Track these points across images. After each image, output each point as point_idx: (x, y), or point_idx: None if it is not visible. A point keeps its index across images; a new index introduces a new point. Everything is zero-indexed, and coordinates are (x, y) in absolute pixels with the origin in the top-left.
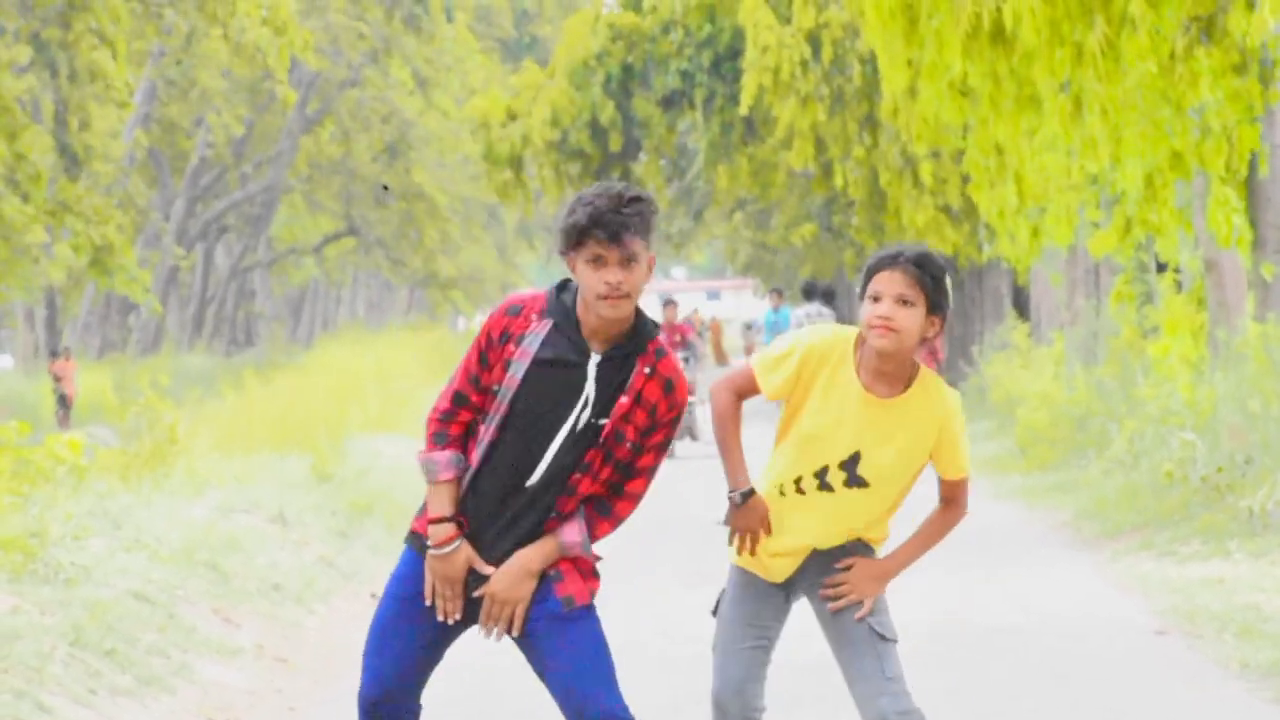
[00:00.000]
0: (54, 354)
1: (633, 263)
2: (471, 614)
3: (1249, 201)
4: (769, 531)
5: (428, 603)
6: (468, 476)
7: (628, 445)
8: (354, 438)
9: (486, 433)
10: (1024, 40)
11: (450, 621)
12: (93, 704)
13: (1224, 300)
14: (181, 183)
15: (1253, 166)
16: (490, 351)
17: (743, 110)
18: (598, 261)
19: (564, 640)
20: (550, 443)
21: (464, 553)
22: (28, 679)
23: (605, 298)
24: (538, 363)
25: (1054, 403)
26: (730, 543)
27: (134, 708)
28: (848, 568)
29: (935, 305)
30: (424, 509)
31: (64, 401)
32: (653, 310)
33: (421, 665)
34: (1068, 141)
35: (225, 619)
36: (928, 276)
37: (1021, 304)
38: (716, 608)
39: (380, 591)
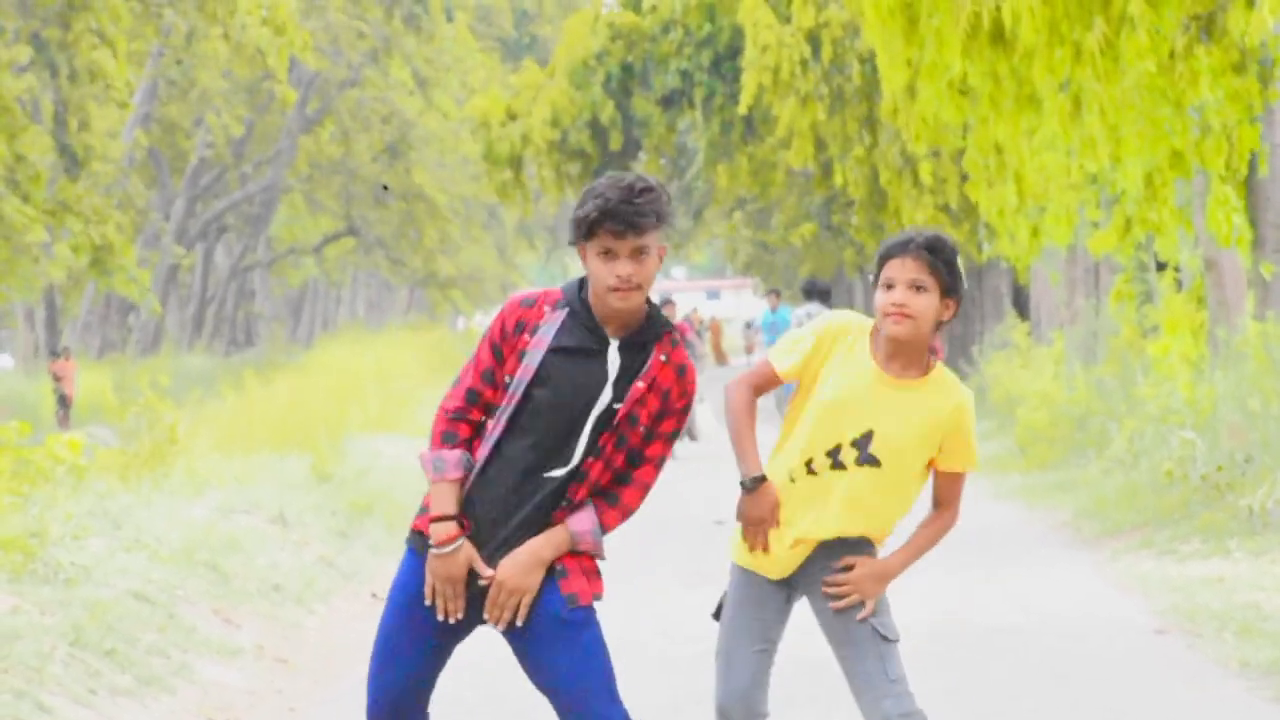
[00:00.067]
0: (54, 354)
1: (644, 255)
2: (474, 613)
3: (1249, 200)
4: (778, 523)
5: (428, 602)
6: (473, 475)
7: (641, 429)
8: (354, 438)
9: (495, 427)
10: (1023, 40)
11: (452, 620)
12: (93, 704)
13: (1224, 299)
14: (181, 183)
15: (1252, 165)
16: (504, 344)
17: (742, 109)
18: (608, 254)
19: (565, 647)
20: (577, 431)
21: (465, 552)
22: (28, 679)
23: (616, 290)
24: (554, 351)
25: (1054, 402)
26: (743, 539)
27: (134, 708)
28: (849, 568)
29: (949, 288)
30: (424, 508)
31: (64, 401)
32: None
33: (428, 672)
34: (1067, 141)
35: (225, 619)
36: (940, 261)
37: (1021, 303)
38: (718, 611)
39: (380, 591)
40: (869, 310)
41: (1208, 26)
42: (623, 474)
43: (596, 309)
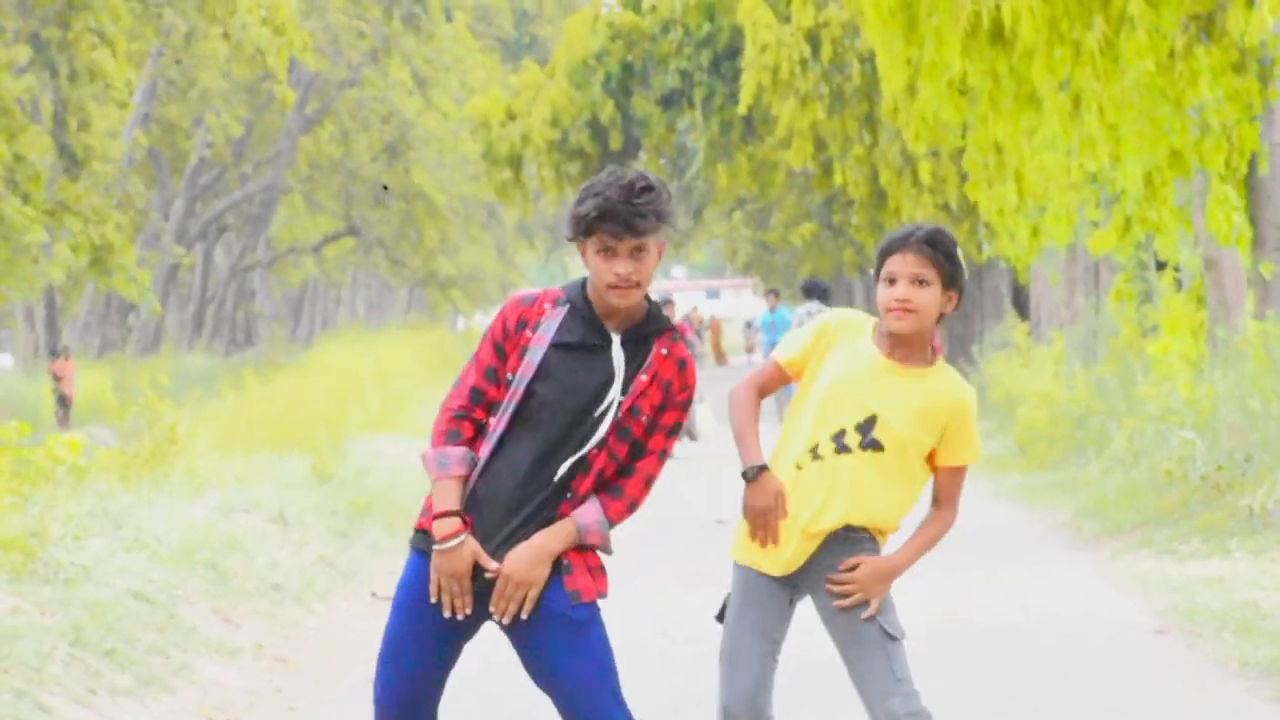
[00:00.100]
0: (54, 354)
1: (642, 253)
2: (481, 610)
3: (1248, 199)
4: (785, 513)
5: (434, 600)
6: (475, 474)
7: (643, 420)
8: (354, 438)
9: (498, 424)
10: (1023, 39)
11: (460, 617)
12: (92, 704)
13: (1223, 298)
14: (181, 182)
15: (1252, 165)
16: (506, 341)
17: (742, 109)
18: (608, 252)
19: (568, 646)
20: (581, 426)
21: (469, 547)
22: (28, 679)
23: (615, 287)
24: (556, 346)
25: (1054, 401)
26: (749, 533)
27: (134, 707)
28: (853, 567)
29: (951, 280)
30: (427, 509)
31: (64, 401)
32: None
33: (436, 674)
34: (1067, 140)
35: (225, 619)
36: (941, 253)
37: (1021, 303)
38: (721, 614)
39: (380, 591)
40: (870, 309)
41: (1207, 26)
42: (625, 466)
43: (597, 305)
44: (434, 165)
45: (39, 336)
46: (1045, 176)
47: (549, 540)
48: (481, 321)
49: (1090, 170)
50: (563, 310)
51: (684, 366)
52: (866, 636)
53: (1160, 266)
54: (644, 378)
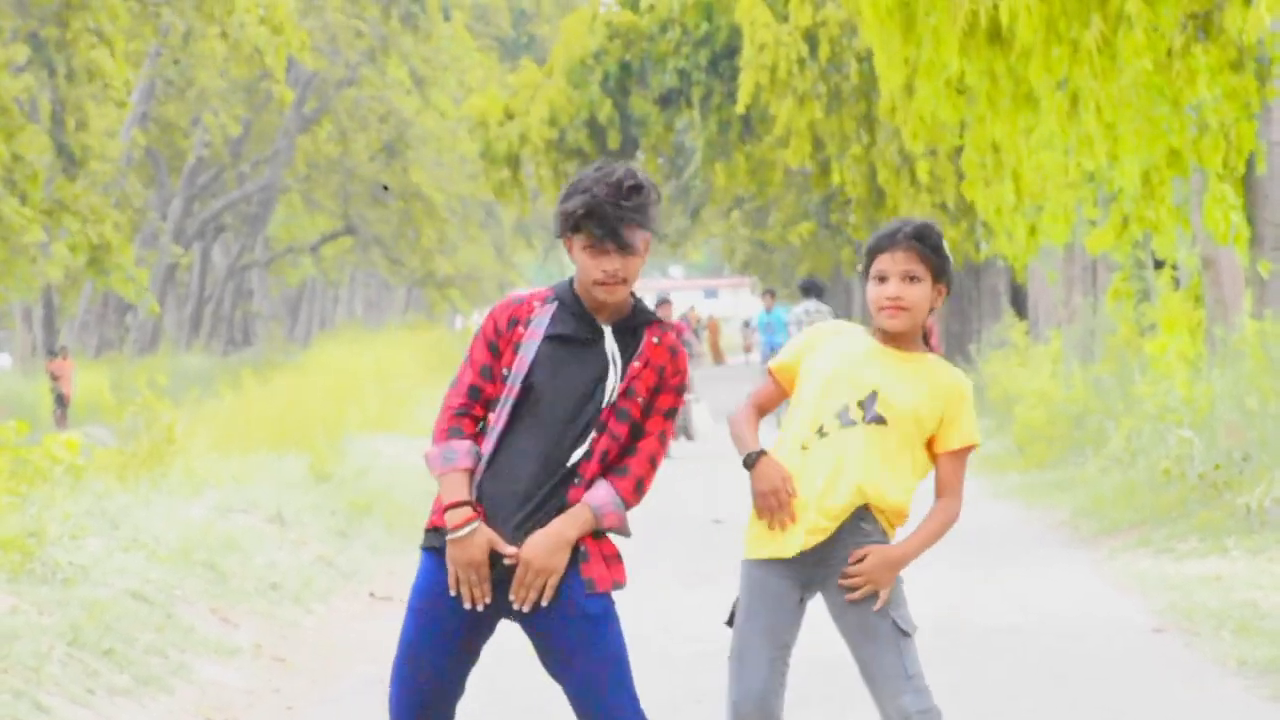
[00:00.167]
0: (51, 353)
1: (629, 251)
2: (499, 604)
3: (1246, 198)
4: (793, 492)
5: (453, 593)
6: (480, 470)
7: (639, 401)
8: (352, 437)
9: (499, 420)
10: (1021, 38)
11: (480, 608)
12: (91, 704)
13: (1221, 297)
14: (179, 182)
15: (1250, 163)
16: (499, 339)
17: (740, 108)
18: (594, 248)
19: (582, 639)
20: (583, 416)
21: (484, 534)
22: (26, 679)
23: (602, 284)
24: (549, 340)
25: (1051, 401)
26: (759, 521)
27: (132, 707)
28: (862, 559)
29: (940, 274)
30: (436, 507)
31: (61, 401)
32: None
33: (454, 674)
34: (1065, 139)
35: (223, 619)
36: (929, 248)
37: (1019, 302)
38: (731, 618)
39: (379, 591)
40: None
41: (1205, 25)
42: (627, 447)
43: (585, 300)
44: (432, 164)
45: (37, 336)
46: (1043, 175)
47: (566, 527)
48: (479, 321)
49: (1088, 169)
50: (552, 306)
51: (675, 353)
52: (879, 632)
53: (1158, 265)
54: (637, 364)
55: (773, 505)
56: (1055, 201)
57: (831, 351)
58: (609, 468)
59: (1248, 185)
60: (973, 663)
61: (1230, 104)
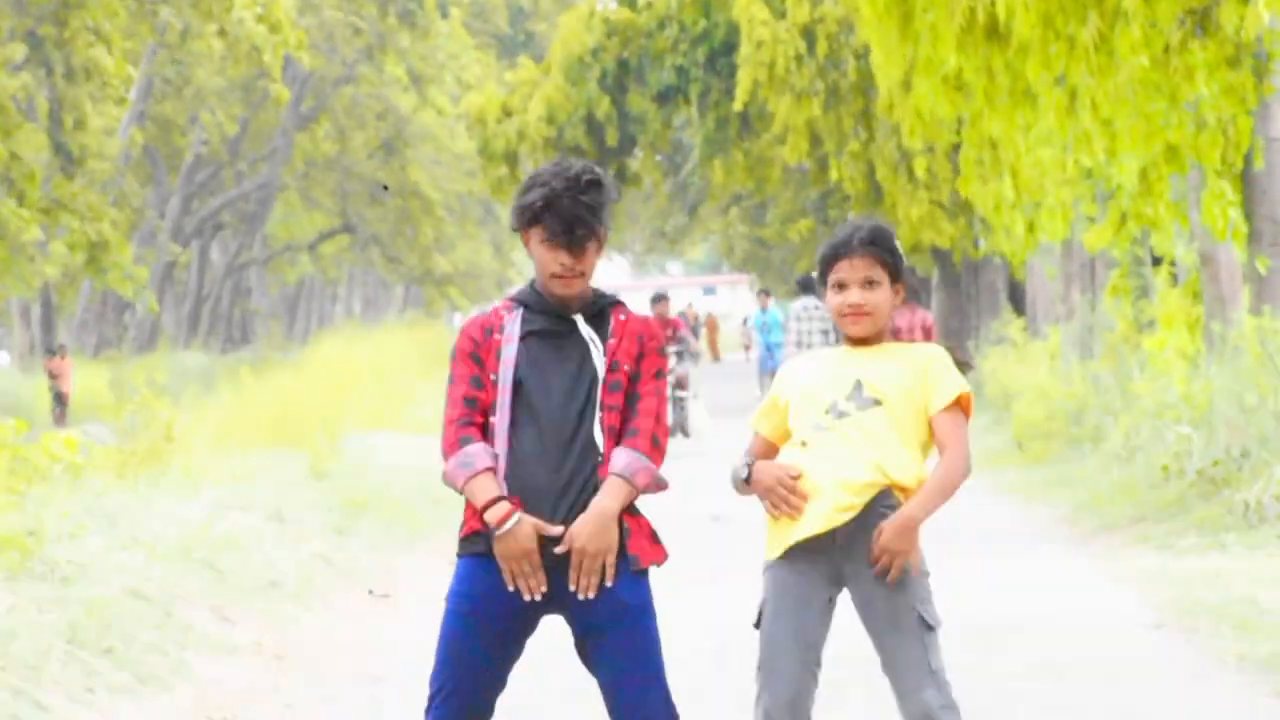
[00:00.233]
0: (50, 352)
1: (586, 245)
2: (547, 598)
3: (1244, 195)
4: (796, 475)
5: (510, 589)
6: (501, 473)
7: (626, 369)
8: (350, 435)
9: (502, 420)
10: (1018, 34)
11: (537, 598)
12: (90, 702)
13: (1219, 294)
14: (177, 180)
15: (1248, 160)
16: (479, 349)
17: (738, 105)
18: (552, 242)
19: (620, 632)
20: (580, 402)
21: (528, 523)
22: (25, 677)
23: (559, 277)
24: (526, 338)
25: (1050, 397)
26: (774, 520)
27: (131, 705)
28: (878, 540)
29: (897, 274)
30: (467, 516)
31: (60, 399)
32: (643, 308)
33: (496, 671)
34: (1063, 136)
35: (222, 616)
36: (886, 252)
37: (1017, 298)
38: (759, 620)
39: (377, 588)
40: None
41: (1202, 21)
42: (627, 412)
43: (548, 296)
44: (430, 162)
45: (35, 334)
46: (1041, 172)
47: (606, 501)
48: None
49: (1086, 166)
50: (519, 310)
51: (645, 322)
52: (904, 625)
53: (1156, 262)
54: (614, 340)
55: (781, 494)
56: (1053, 198)
57: (805, 369)
58: (620, 436)
59: (1246, 181)
60: (971, 658)
61: (1228, 100)
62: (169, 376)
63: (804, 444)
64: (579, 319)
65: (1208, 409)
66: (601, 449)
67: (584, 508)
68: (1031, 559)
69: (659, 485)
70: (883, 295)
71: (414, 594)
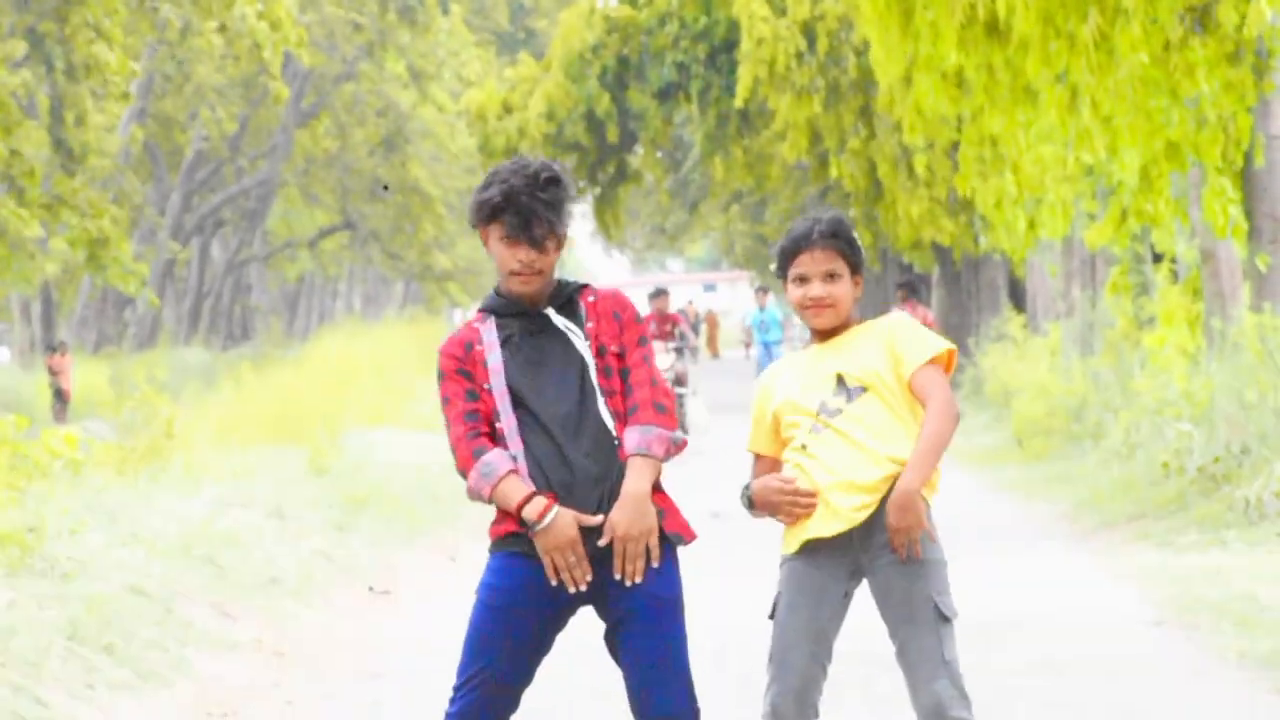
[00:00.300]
0: (50, 348)
1: (545, 243)
2: (587, 587)
3: (1245, 192)
4: (791, 479)
5: (554, 583)
6: (523, 467)
7: (613, 348)
8: (351, 431)
9: (509, 423)
10: (1018, 31)
11: (583, 588)
12: (90, 699)
13: (1220, 291)
14: (177, 177)
15: (1248, 157)
16: (465, 363)
17: (738, 102)
18: (510, 239)
19: (655, 627)
20: (577, 391)
21: (567, 514)
22: (25, 674)
23: (518, 274)
24: (505, 344)
25: (1050, 394)
26: (789, 525)
27: (131, 702)
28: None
29: (857, 267)
30: (498, 519)
31: (60, 396)
32: (640, 305)
33: (531, 666)
34: (1063, 133)
35: (223, 613)
36: (845, 244)
37: (1017, 295)
38: (773, 611)
39: (377, 585)
40: (866, 299)
41: (1202, 18)
42: (626, 390)
43: (510, 296)
44: (430, 159)
45: (35, 331)
46: (1041, 169)
47: (635, 483)
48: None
49: (1086, 163)
50: (490, 320)
51: (614, 296)
52: (921, 616)
53: (1156, 259)
54: (591, 324)
55: (787, 500)
56: (1054, 195)
57: (782, 378)
58: (625, 416)
59: (1246, 178)
60: (971, 655)
61: (1228, 97)
62: (169, 373)
63: (804, 448)
64: (550, 311)
65: (1208, 406)
66: (614, 433)
67: (613, 495)
68: (1032, 556)
69: (677, 447)
70: (844, 287)
71: (414, 590)
